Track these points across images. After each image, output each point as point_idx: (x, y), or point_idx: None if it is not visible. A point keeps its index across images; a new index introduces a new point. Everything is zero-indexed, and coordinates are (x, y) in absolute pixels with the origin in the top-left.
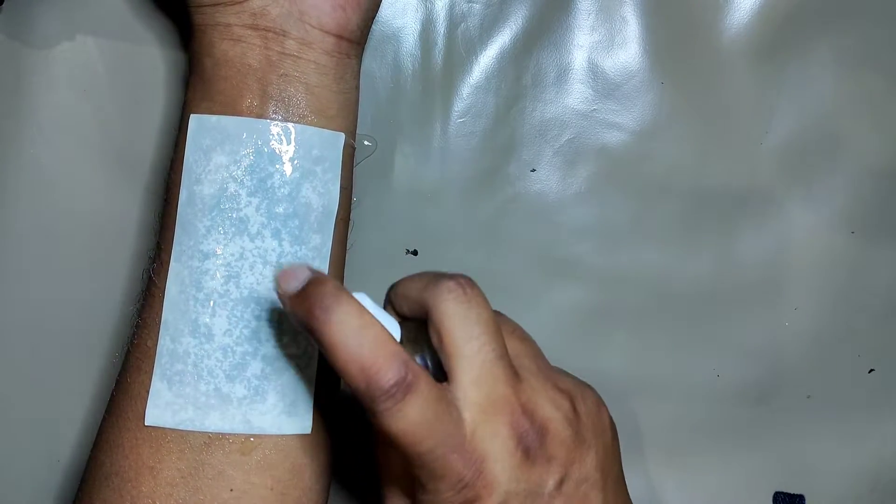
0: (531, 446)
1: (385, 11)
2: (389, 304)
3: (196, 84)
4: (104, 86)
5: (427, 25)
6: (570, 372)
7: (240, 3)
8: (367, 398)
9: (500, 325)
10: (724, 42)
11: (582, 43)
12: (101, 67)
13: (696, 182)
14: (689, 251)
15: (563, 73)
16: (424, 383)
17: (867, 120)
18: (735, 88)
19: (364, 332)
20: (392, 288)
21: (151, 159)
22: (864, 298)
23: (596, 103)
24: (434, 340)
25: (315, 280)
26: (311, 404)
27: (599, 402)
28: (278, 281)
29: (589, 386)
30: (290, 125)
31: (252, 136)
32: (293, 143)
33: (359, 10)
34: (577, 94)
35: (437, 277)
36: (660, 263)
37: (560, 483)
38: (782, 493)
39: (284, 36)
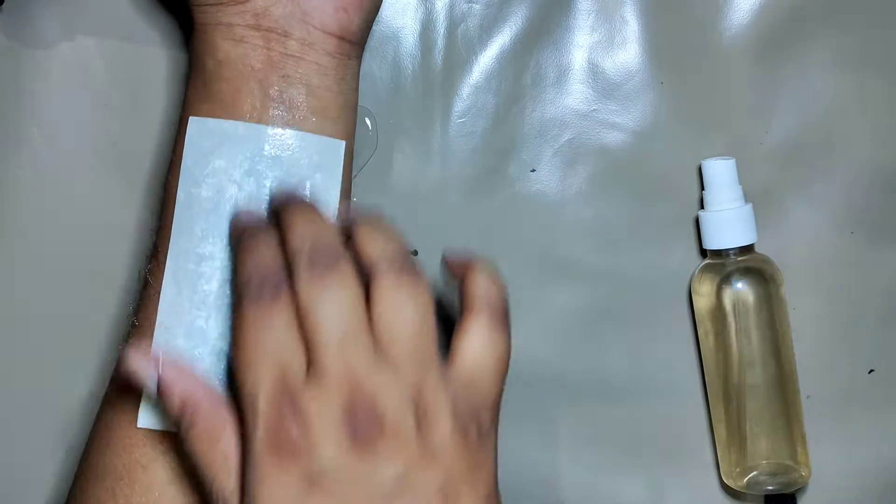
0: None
1: (385, 12)
2: None
3: (196, 84)
4: (104, 86)
5: (427, 26)
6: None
7: (242, 2)
8: None
9: None
10: (724, 42)
11: (582, 43)
12: (102, 68)
13: (696, 182)
14: (688, 251)
15: (562, 74)
16: None
17: (867, 120)
18: (735, 88)
19: None
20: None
21: (151, 159)
22: (863, 299)
23: (596, 103)
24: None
25: None
26: None
27: None
28: None
29: None
30: (290, 131)
31: (251, 140)
32: (293, 149)
33: (360, 11)
34: (576, 94)
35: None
36: (660, 263)
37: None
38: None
39: (286, 37)
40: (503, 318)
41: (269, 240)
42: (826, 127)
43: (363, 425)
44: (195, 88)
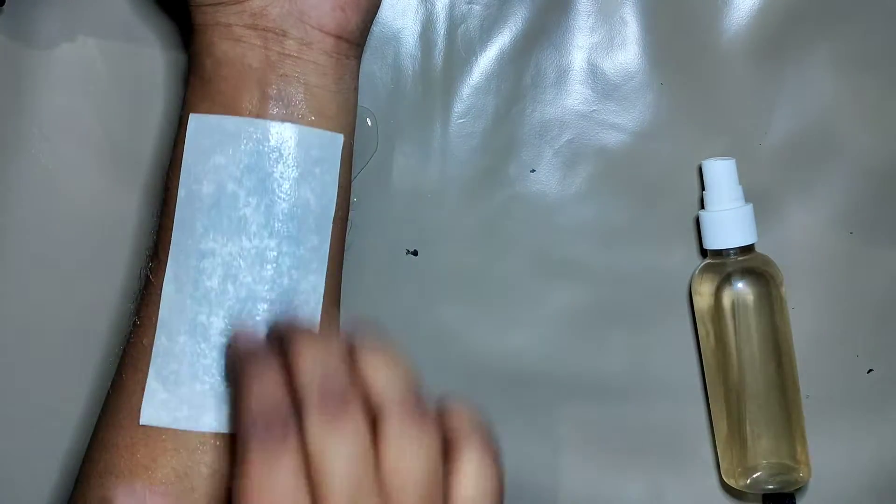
0: None
1: (385, 12)
2: None
3: (195, 84)
4: (104, 86)
5: (427, 26)
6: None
7: (240, 2)
8: None
9: None
10: (724, 43)
11: (581, 44)
12: (102, 68)
13: (696, 182)
14: (689, 251)
15: (562, 74)
16: None
17: (866, 120)
18: (734, 89)
19: None
20: None
21: (151, 159)
22: (862, 299)
23: (595, 104)
24: None
25: None
26: None
27: None
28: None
29: None
30: (289, 125)
31: (251, 136)
32: (292, 143)
33: (358, 10)
34: (576, 94)
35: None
36: (660, 263)
37: None
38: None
39: (284, 36)
40: (490, 444)
41: (273, 371)
42: (826, 127)
43: None
44: (194, 88)
